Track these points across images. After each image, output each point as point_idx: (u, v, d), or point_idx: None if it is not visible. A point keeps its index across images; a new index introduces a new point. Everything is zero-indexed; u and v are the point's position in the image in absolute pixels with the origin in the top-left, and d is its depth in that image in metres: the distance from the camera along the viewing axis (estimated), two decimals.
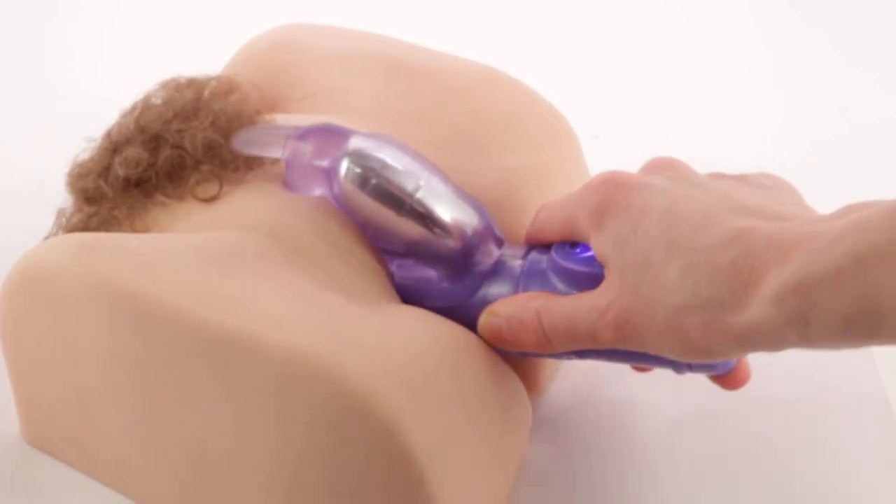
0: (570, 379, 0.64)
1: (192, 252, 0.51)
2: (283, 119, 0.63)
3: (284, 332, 0.47)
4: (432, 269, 0.55)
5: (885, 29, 1.14)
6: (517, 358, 0.55)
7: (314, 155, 0.56)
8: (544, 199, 0.60)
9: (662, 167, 0.50)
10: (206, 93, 0.62)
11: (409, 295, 0.55)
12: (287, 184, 0.58)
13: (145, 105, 0.62)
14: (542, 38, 1.17)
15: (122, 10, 1.19)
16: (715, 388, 0.62)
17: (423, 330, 0.50)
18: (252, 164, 0.59)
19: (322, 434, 0.46)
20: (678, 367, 0.50)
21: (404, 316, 0.51)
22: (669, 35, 1.16)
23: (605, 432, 0.60)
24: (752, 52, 1.12)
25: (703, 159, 0.94)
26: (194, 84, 0.63)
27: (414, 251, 0.54)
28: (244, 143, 0.59)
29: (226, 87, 0.64)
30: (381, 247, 0.56)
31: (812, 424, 0.61)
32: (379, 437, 0.45)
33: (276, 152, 0.57)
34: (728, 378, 0.53)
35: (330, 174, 0.55)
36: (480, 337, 0.52)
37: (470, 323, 0.53)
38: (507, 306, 0.51)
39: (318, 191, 0.57)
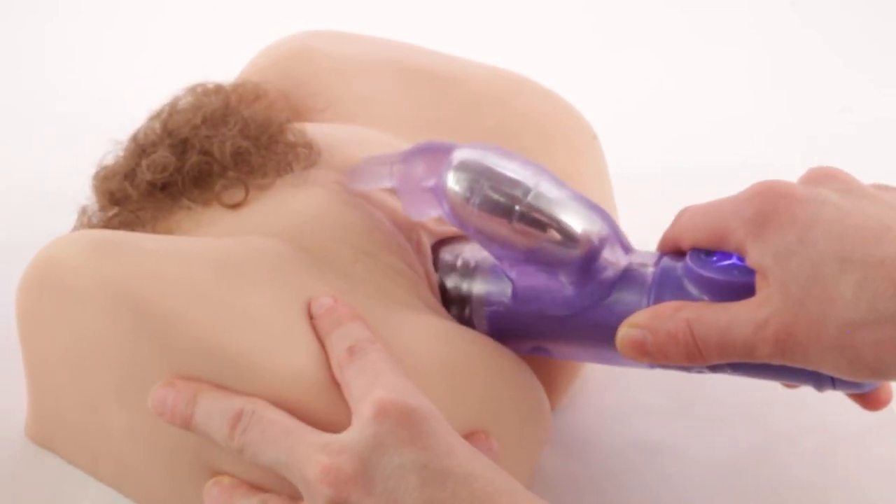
0: (583, 385, 0.64)
1: (207, 259, 0.51)
2: (385, 145, 0.62)
3: (286, 354, 0.48)
4: (555, 277, 0.52)
5: (884, 29, 1.14)
6: (536, 372, 0.55)
7: (421, 177, 0.55)
8: None
9: (826, 178, 0.48)
10: (233, 99, 0.62)
11: (530, 303, 0.53)
12: (407, 211, 0.56)
13: (172, 109, 0.62)
14: (541, 38, 1.17)
15: (122, 11, 1.19)
16: (717, 394, 0.62)
17: (431, 344, 0.51)
18: (282, 170, 0.59)
19: None
20: (821, 383, 0.48)
21: (415, 327, 0.51)
22: (670, 36, 1.16)
23: (615, 437, 0.60)
24: (753, 52, 1.12)
25: (704, 159, 0.95)
26: (221, 90, 0.63)
27: (535, 258, 0.52)
28: (355, 179, 0.58)
29: (252, 93, 0.64)
30: (501, 255, 0.53)
31: (815, 425, 0.61)
32: None
33: (385, 182, 0.56)
34: (870, 397, 0.50)
35: (437, 192, 0.54)
36: (620, 350, 0.49)
37: (597, 331, 0.51)
38: (650, 318, 0.48)
39: (434, 212, 0.55)
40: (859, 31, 1.14)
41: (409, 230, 0.58)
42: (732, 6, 1.18)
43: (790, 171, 0.89)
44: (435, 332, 0.52)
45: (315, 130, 0.62)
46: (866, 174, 0.90)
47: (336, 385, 0.47)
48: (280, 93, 0.66)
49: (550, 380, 0.59)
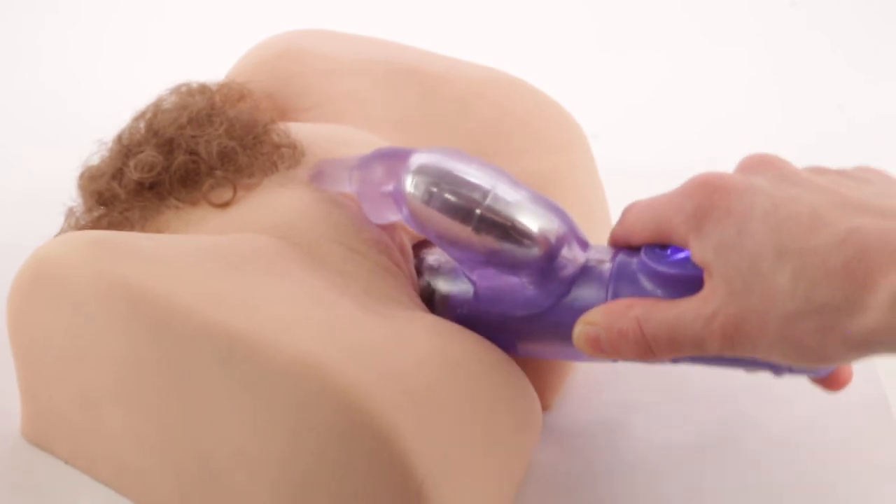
0: (577, 381, 0.64)
1: (205, 253, 0.51)
2: (351, 146, 0.62)
3: (291, 337, 0.47)
4: (516, 277, 0.52)
5: (883, 29, 1.14)
6: (530, 371, 0.55)
7: (380, 181, 0.55)
8: (563, 203, 0.60)
9: (760, 165, 0.47)
10: (217, 99, 0.62)
11: (492, 304, 0.54)
12: (368, 216, 0.57)
13: (157, 109, 0.62)
14: (540, 38, 1.17)
15: (112, 13, 1.20)
16: (713, 387, 0.62)
17: (430, 338, 0.50)
18: (267, 169, 0.59)
19: (323, 441, 0.46)
20: (777, 369, 0.48)
21: (414, 322, 0.51)
22: (668, 35, 1.16)
23: (609, 434, 0.60)
24: (752, 52, 1.13)
25: (700, 158, 0.95)
26: (206, 90, 0.63)
27: (495, 260, 0.52)
28: (317, 182, 0.58)
29: (237, 93, 0.64)
30: (461, 258, 0.54)
31: (812, 424, 0.61)
32: (379, 449, 0.45)
33: (345, 186, 0.57)
34: (830, 379, 0.50)
35: (397, 197, 0.54)
36: (576, 347, 0.50)
37: (559, 329, 0.52)
38: (603, 315, 0.49)
39: (394, 216, 0.56)
40: (860, 31, 1.14)
41: (391, 230, 0.58)
42: (731, 6, 1.19)
43: None
44: (434, 329, 0.51)
45: (300, 130, 0.62)
46: None
47: (341, 372, 0.47)
48: (264, 93, 0.66)
49: (542, 380, 0.59)
